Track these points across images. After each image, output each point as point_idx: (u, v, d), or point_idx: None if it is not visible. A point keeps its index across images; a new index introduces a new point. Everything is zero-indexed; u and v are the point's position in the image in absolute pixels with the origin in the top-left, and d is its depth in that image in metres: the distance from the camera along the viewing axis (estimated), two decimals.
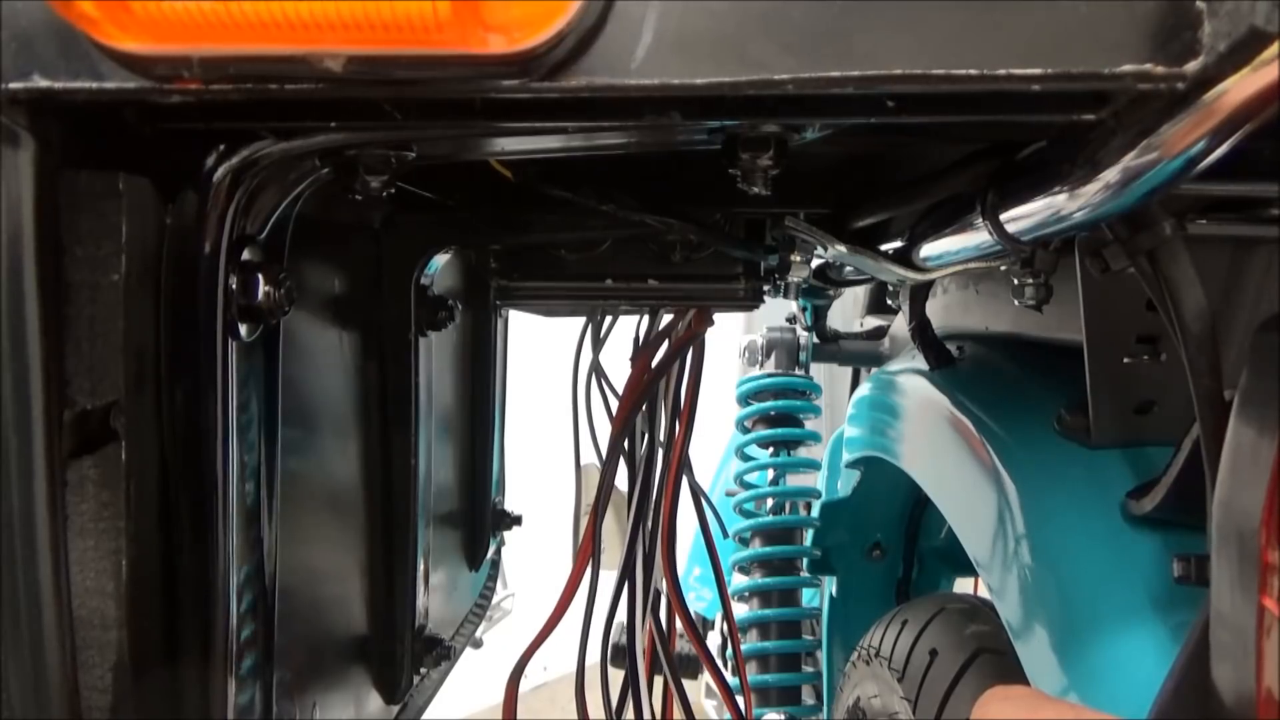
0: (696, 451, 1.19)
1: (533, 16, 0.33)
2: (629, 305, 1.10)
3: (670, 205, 0.76)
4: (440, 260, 0.84)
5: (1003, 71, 0.35)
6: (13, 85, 0.36)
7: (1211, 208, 0.67)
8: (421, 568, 0.86)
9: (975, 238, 0.62)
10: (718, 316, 1.05)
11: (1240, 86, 0.35)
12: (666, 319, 1.09)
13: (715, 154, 0.52)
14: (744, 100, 0.42)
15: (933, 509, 1.27)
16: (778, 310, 1.79)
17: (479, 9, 0.32)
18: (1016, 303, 0.77)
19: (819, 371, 1.76)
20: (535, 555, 1.90)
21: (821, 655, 1.62)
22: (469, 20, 0.32)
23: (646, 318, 1.13)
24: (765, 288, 0.98)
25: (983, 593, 1.18)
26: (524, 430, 1.50)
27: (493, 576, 1.21)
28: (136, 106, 0.42)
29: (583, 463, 1.29)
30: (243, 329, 0.51)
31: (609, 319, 1.21)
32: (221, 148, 0.47)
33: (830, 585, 1.57)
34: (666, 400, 1.12)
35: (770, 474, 1.69)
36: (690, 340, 1.05)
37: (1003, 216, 0.57)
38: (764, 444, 1.68)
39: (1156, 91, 0.36)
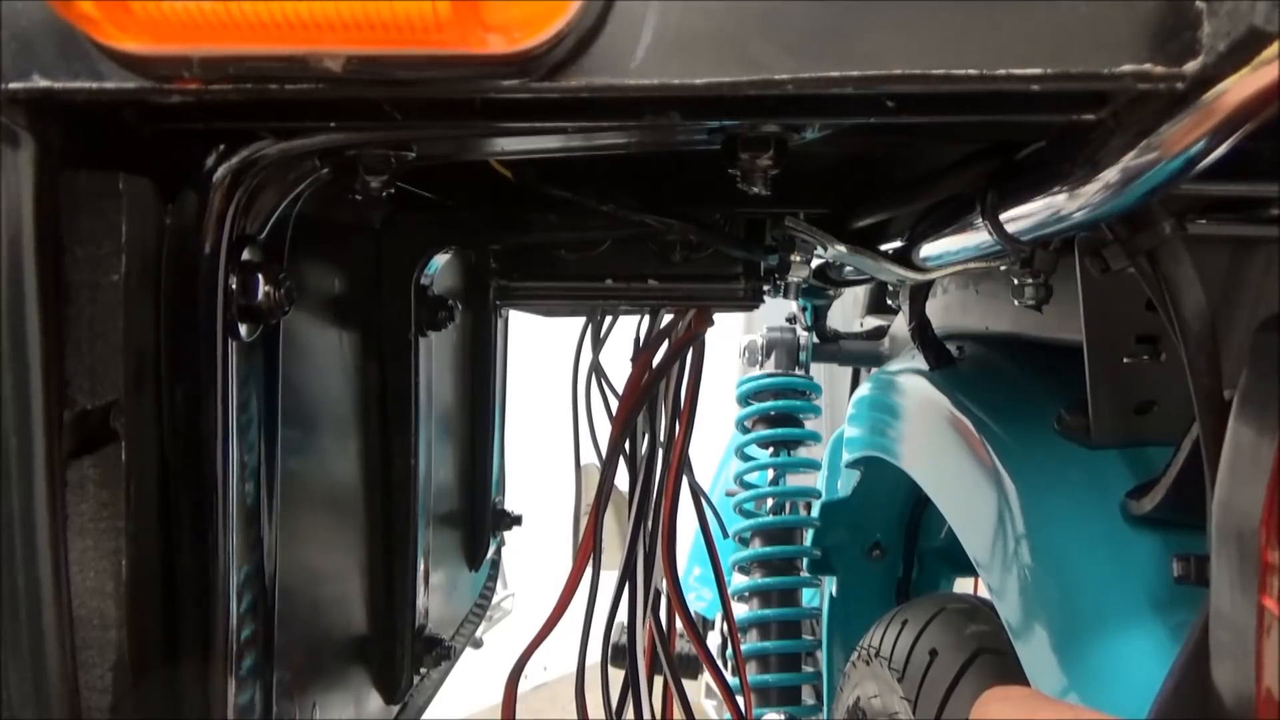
0: (696, 451, 1.19)
1: (532, 17, 0.33)
2: (629, 305, 1.10)
3: (670, 205, 0.76)
4: (440, 260, 0.84)
5: (1002, 71, 0.35)
6: (13, 85, 0.36)
7: (1211, 208, 0.67)
8: (421, 568, 0.86)
9: (975, 238, 0.62)
10: (718, 316, 1.05)
11: (1240, 86, 0.35)
12: (666, 319, 1.09)
13: (715, 154, 0.52)
14: (744, 100, 0.42)
15: (933, 509, 1.27)
16: (778, 310, 1.79)
17: (479, 9, 0.32)
18: (1016, 303, 0.77)
19: (819, 371, 1.76)
20: (535, 555, 1.90)
21: (821, 655, 1.62)
22: (469, 20, 0.32)
23: (646, 318, 1.13)
24: (765, 288, 0.98)
25: (983, 593, 1.18)
26: (524, 430, 1.50)
27: (493, 576, 1.21)
28: (136, 106, 0.42)
29: (583, 463, 1.29)
30: (243, 329, 0.51)
31: (609, 319, 1.21)
32: (221, 148, 0.47)
33: (830, 585, 1.57)
34: (667, 400, 1.12)
35: (770, 474, 1.69)
36: (690, 340, 1.05)
37: (1002, 216, 0.57)
38: (764, 444, 1.68)
39: (1156, 91, 0.36)
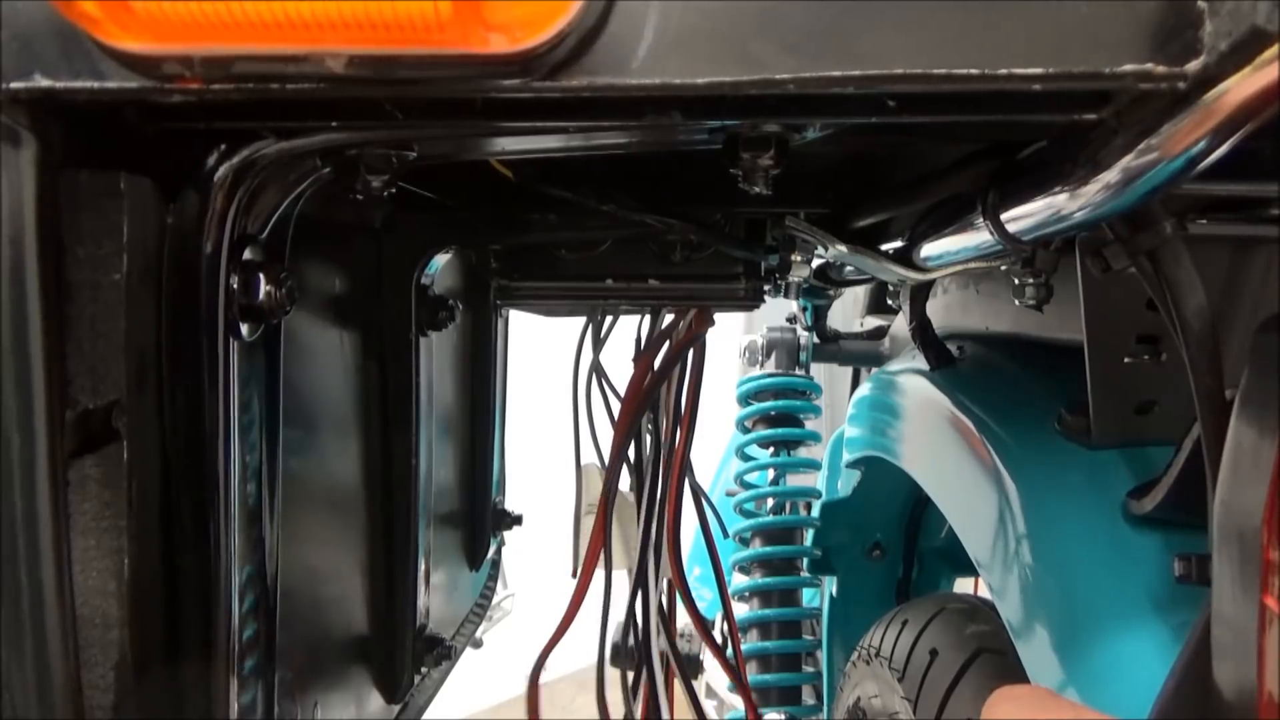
0: (697, 451, 1.19)
1: (534, 16, 0.33)
2: (629, 305, 1.10)
3: (670, 205, 0.76)
4: (440, 260, 0.84)
5: (1004, 71, 0.35)
6: (14, 85, 0.36)
7: (1212, 208, 0.67)
8: (422, 567, 0.86)
9: (976, 237, 0.62)
10: (718, 316, 1.05)
11: (1241, 86, 0.35)
12: (667, 320, 1.09)
13: (716, 154, 0.52)
14: (745, 100, 0.42)
15: (933, 509, 1.27)
16: (778, 310, 1.79)
17: (480, 9, 0.32)
18: (1017, 303, 0.77)
19: (819, 371, 1.76)
20: (535, 555, 1.90)
21: (821, 655, 1.62)
22: (470, 20, 0.32)
23: (647, 318, 1.13)
24: (765, 288, 0.98)
25: (983, 593, 1.18)
26: (524, 430, 1.50)
27: (493, 576, 1.21)
28: (138, 106, 0.42)
29: (583, 463, 1.29)
30: (244, 328, 0.51)
31: (609, 319, 1.21)
32: (223, 147, 0.47)
33: (830, 585, 1.57)
34: (668, 402, 1.12)
35: (770, 474, 1.69)
36: (691, 341, 1.05)
37: (1003, 216, 0.57)
38: (764, 444, 1.68)
39: (1157, 91, 0.36)
